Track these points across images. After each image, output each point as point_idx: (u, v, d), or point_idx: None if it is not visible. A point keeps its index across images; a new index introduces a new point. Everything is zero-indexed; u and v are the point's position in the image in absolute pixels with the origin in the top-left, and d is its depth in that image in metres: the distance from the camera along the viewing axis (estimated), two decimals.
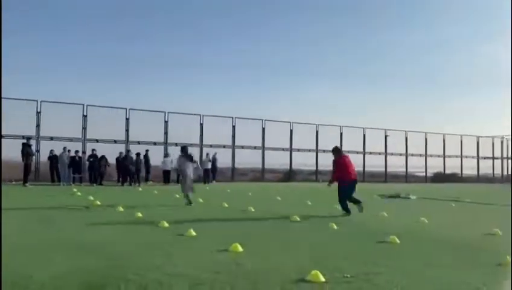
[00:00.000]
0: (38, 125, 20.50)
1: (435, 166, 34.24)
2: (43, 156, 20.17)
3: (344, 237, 6.67)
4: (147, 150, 21.82)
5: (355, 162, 29.93)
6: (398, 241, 6.21)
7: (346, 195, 9.67)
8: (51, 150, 19.43)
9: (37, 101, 20.69)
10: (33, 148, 17.44)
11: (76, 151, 20.03)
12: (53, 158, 19.12)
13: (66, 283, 3.70)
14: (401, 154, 32.13)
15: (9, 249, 5.03)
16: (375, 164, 31.33)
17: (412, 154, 32.58)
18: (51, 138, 20.72)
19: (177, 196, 13.83)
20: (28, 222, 7.48)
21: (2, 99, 20.01)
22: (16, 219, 7.77)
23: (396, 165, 32.35)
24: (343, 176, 9.74)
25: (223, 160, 25.29)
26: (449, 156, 34.25)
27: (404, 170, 32.44)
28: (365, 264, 4.77)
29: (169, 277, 4.00)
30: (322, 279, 3.98)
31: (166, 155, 22.11)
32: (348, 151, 29.65)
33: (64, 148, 19.40)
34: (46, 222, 7.50)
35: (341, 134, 29.53)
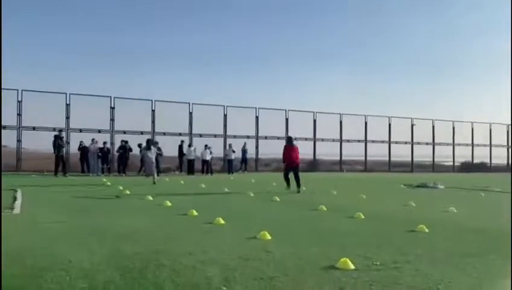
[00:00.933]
0: (68, 118, 21.08)
1: (463, 155, 33.55)
2: (73, 148, 20.78)
3: (372, 226, 6.68)
4: (182, 141, 22.27)
5: (381, 152, 29.71)
6: (426, 230, 6.19)
7: (286, 173, 13.37)
8: (81, 142, 19.99)
9: (66, 93, 21.27)
10: (64, 140, 17.90)
11: (104, 143, 20.53)
12: (83, 149, 19.68)
13: (105, 267, 3.87)
14: (427, 144, 31.57)
15: (47, 236, 5.28)
16: (401, 153, 30.92)
17: (439, 144, 31.97)
18: (80, 130, 21.29)
19: (203, 185, 14.07)
20: (63, 210, 7.78)
21: (34, 92, 20.73)
22: (51, 207, 8.10)
23: (422, 154, 31.86)
24: (284, 159, 13.39)
25: (250, 150, 25.46)
26: (477, 145, 33.45)
27: (431, 159, 31.90)
28: (394, 252, 4.79)
29: (202, 263, 4.13)
30: (352, 266, 4.03)
31: (190, 145, 22.42)
32: (373, 141, 29.50)
33: (93, 139, 19.94)
34: (81, 210, 7.78)
35: (366, 123, 29.21)
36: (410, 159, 31.04)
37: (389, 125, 30.02)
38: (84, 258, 4.17)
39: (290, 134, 26.97)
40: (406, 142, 30.70)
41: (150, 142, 15.14)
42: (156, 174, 14.82)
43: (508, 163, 34.44)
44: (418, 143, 31.18)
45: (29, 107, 20.36)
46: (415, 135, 31.01)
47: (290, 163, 13.14)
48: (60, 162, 17.68)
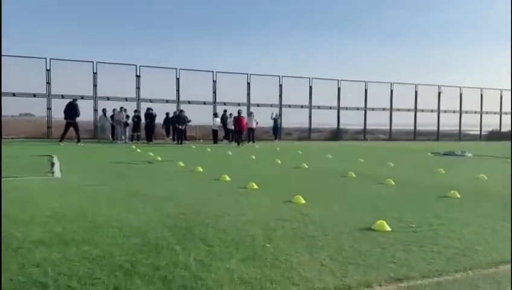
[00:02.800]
0: (95, 86, 21.43)
1: (491, 124, 32.77)
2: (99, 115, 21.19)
3: (403, 192, 6.76)
4: (181, 110, 22.28)
5: (406, 121, 29.27)
6: (458, 195, 6.24)
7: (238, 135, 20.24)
8: (114, 109, 20.29)
9: (93, 62, 21.55)
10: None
11: (135, 111, 20.85)
12: (113, 117, 20.08)
13: (154, 226, 4.10)
14: (454, 112, 30.91)
15: (92, 198, 5.57)
16: (427, 122, 30.43)
17: (467, 112, 31.27)
18: (108, 98, 21.66)
19: (230, 153, 14.29)
20: (101, 174, 8.10)
21: (62, 61, 21.08)
22: (88, 172, 8.45)
23: (449, 123, 31.26)
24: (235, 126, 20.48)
25: (269, 120, 25.47)
26: (506, 113, 32.56)
27: (457, 128, 31.31)
28: (428, 216, 4.89)
29: (242, 223, 4.33)
30: (388, 228, 4.16)
31: (215, 115, 22.54)
32: (398, 110, 29.07)
33: (121, 108, 20.25)
34: (117, 175, 8.09)
35: (391, 91, 28.71)
36: (435, 128, 30.54)
37: (416, 93, 29.43)
38: (132, 217, 4.43)
39: (313, 102, 26.93)
40: (432, 111, 30.14)
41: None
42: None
43: None
44: (445, 111, 30.55)
45: (58, 76, 20.77)
46: (442, 103, 30.36)
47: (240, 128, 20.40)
48: (70, 129, 17.66)
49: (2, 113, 20.41)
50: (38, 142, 17.94)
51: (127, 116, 20.19)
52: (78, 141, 17.47)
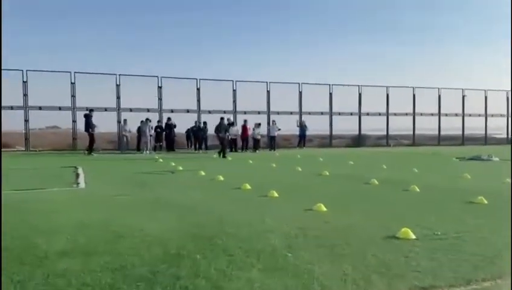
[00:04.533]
0: (118, 98, 21.84)
1: None
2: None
3: (428, 198, 6.61)
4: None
5: (430, 125, 28.64)
6: (485, 201, 6.06)
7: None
8: (141, 121, 20.60)
9: (116, 74, 22.00)
10: (93, 119, 18.28)
11: (158, 122, 21.16)
12: (138, 129, 20.40)
13: (176, 234, 4.13)
14: (479, 115, 30.16)
15: (116, 207, 5.65)
16: (451, 126, 29.76)
17: (492, 115, 30.47)
18: (130, 109, 22.03)
19: (250, 161, 14.30)
20: (124, 184, 8.22)
21: (85, 74, 21.60)
22: (112, 182, 8.58)
23: (474, 127, 30.50)
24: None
25: (290, 126, 25.38)
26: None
27: (483, 132, 30.51)
28: (454, 223, 4.76)
29: (263, 231, 4.30)
30: (413, 236, 4.06)
31: (232, 124, 22.57)
32: (421, 114, 28.57)
33: (147, 119, 20.53)
34: (141, 184, 8.19)
35: (414, 96, 28.25)
36: (460, 132, 29.86)
37: (439, 97, 28.87)
38: (154, 227, 4.46)
39: (334, 109, 26.73)
40: (456, 114, 29.49)
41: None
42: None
43: None
44: (470, 115, 29.85)
45: (82, 89, 21.25)
46: (466, 107, 29.66)
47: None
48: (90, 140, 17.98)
49: (30, 127, 21.04)
50: (65, 154, 18.36)
51: (152, 127, 20.45)
52: (88, 153, 17.57)
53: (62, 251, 3.60)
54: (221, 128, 17.59)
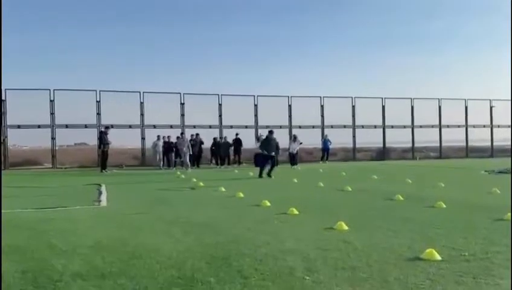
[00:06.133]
0: (142, 114, 22.18)
1: None
2: (147, 144, 21.85)
3: (455, 215, 6.34)
4: (236, 134, 22.49)
5: (457, 137, 27.86)
6: None
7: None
8: (177, 137, 20.81)
9: (139, 92, 22.38)
10: (109, 136, 18.27)
11: (178, 137, 21.25)
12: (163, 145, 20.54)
13: (191, 255, 4.05)
14: (509, 126, 29.20)
15: (134, 226, 5.63)
16: (479, 138, 28.89)
17: None
18: (154, 126, 22.33)
19: (272, 177, 14.18)
20: (145, 202, 8.24)
21: (109, 92, 22.08)
22: (133, 200, 8.61)
23: (503, 138, 29.51)
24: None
25: (312, 140, 25.13)
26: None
27: None
28: (482, 243, 4.53)
29: (282, 252, 4.18)
30: (438, 257, 3.87)
31: (258, 138, 22.54)
32: (448, 126, 27.86)
33: (158, 136, 20.72)
34: (161, 202, 8.19)
35: (439, 107, 27.63)
36: (489, 143, 28.94)
37: (466, 108, 28.15)
38: (170, 247, 4.40)
39: (357, 122, 26.39)
40: (484, 126, 28.64)
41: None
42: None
43: None
44: (498, 126, 28.94)
45: (106, 106, 21.70)
46: (495, 117, 28.79)
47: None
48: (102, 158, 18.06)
49: (58, 143, 21.56)
50: (90, 171, 18.67)
51: (166, 143, 20.57)
52: (101, 170, 17.67)
53: (77, 272, 3.57)
54: (269, 144, 14.21)
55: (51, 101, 20.88)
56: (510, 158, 18.53)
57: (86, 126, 21.60)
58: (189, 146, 18.92)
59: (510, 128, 28.62)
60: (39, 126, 20.82)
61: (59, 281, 3.36)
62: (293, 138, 21.28)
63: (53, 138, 20.99)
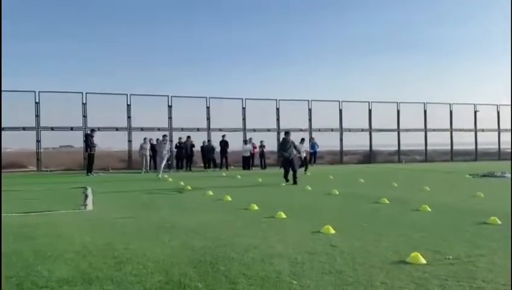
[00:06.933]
0: (129, 117, 22.03)
1: None
2: (135, 146, 21.70)
3: (440, 219, 6.44)
4: (223, 135, 22.44)
5: (442, 140, 28.31)
6: (499, 222, 5.88)
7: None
8: (157, 139, 20.66)
9: (126, 94, 22.23)
10: (95, 139, 18.22)
11: (157, 140, 21.10)
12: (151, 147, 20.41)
13: (179, 260, 4.05)
14: (492, 130, 29.75)
15: (121, 231, 5.59)
16: (465, 141, 29.37)
17: (506, 130, 30.00)
18: (141, 129, 22.18)
19: (260, 179, 14.20)
20: (132, 206, 8.18)
21: (95, 95, 21.89)
22: (120, 203, 8.55)
23: (487, 142, 30.04)
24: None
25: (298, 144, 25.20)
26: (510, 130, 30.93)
27: (497, 147, 30.03)
28: (466, 246, 4.61)
29: (269, 256, 4.20)
30: (423, 261, 3.93)
31: (245, 142, 22.59)
32: (433, 130, 28.25)
33: (145, 138, 20.58)
34: (148, 206, 8.14)
35: (425, 111, 28.01)
36: (473, 147, 29.43)
37: (451, 112, 28.58)
38: (157, 251, 4.39)
39: (344, 125, 26.63)
40: (469, 130, 29.12)
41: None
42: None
43: None
44: (483, 130, 29.45)
45: (93, 108, 21.50)
46: (479, 121, 29.30)
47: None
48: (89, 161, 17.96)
49: (44, 146, 21.30)
50: (76, 174, 18.47)
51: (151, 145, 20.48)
52: (87, 173, 17.55)
53: (63, 278, 3.54)
54: (286, 146, 13.11)
55: (36, 103, 20.63)
56: (493, 161, 18.88)
57: (71, 129, 21.38)
58: (168, 150, 17.51)
59: (510, 132, 29.23)
60: (24, 128, 20.55)
61: (45, 287, 3.33)
62: (301, 141, 19.19)
63: (38, 141, 20.72)
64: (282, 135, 24.16)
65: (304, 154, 18.01)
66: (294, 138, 24.07)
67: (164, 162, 16.70)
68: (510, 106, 28.51)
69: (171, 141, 21.13)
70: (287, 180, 12.81)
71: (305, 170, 17.77)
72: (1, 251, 3.19)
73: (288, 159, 12.90)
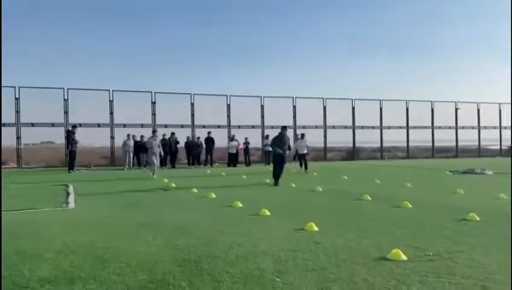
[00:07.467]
0: (111, 113, 21.77)
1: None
2: (118, 143, 21.45)
3: (420, 216, 6.56)
4: (209, 132, 22.35)
5: (424, 137, 28.83)
6: (478, 218, 6.02)
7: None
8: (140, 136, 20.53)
9: (109, 90, 21.96)
10: (76, 136, 17.92)
11: (142, 136, 20.95)
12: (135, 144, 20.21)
13: (162, 258, 4.04)
14: (472, 128, 30.34)
15: (104, 229, 5.55)
16: (444, 138, 29.90)
17: (485, 127, 30.64)
18: (124, 125, 21.95)
19: (244, 177, 14.22)
20: (115, 204, 8.10)
21: (79, 90, 21.57)
22: (103, 201, 8.46)
23: (467, 139, 30.64)
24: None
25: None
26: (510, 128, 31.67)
27: (477, 143, 30.66)
28: (446, 242, 4.71)
29: (253, 254, 4.22)
30: (404, 257, 4.00)
31: (232, 139, 22.51)
32: (415, 127, 28.67)
33: (128, 135, 20.39)
34: (131, 204, 8.07)
35: (407, 109, 28.40)
36: (454, 144, 29.98)
37: (432, 110, 29.04)
38: (141, 250, 4.37)
39: (328, 122, 26.84)
40: (449, 127, 29.64)
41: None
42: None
43: None
44: (463, 127, 30.01)
45: (74, 104, 21.16)
46: (460, 119, 29.86)
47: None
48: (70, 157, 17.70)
49: (24, 142, 20.90)
50: (58, 171, 18.19)
51: (136, 142, 20.30)
52: (68, 170, 17.33)
53: (45, 277, 3.50)
54: (282, 141, 12.24)
55: (16, 99, 20.22)
56: (473, 158, 19.27)
57: (52, 125, 21.02)
58: (160, 145, 16.12)
59: (510, 130, 29.84)
60: (4, 124, 20.11)
61: (26, 287, 3.29)
62: (301, 136, 17.95)
63: (18, 137, 20.33)
64: (266, 132, 24.44)
65: (305, 151, 17.19)
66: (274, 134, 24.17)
67: (158, 159, 15.46)
68: (510, 105, 29.12)
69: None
70: (276, 183, 11.69)
71: (306, 169, 16.47)
72: (1, 251, 3.14)
73: (281, 155, 12.06)
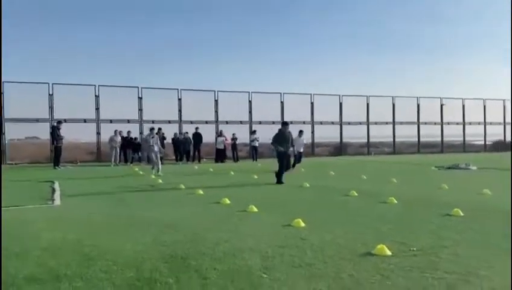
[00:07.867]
0: (97, 109, 21.55)
1: (495, 134, 32.51)
2: (103, 138, 21.26)
3: (406, 211, 6.66)
4: (196, 128, 22.27)
5: (410, 133, 29.16)
6: (462, 214, 6.13)
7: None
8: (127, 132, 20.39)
9: (95, 85, 21.71)
10: (62, 131, 17.77)
11: (128, 132, 20.81)
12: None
13: (150, 255, 4.04)
14: (458, 123, 30.78)
15: (90, 226, 5.52)
16: (430, 133, 30.29)
17: (470, 123, 31.10)
18: (110, 121, 21.75)
19: (232, 173, 14.23)
20: (102, 200, 8.06)
21: (66, 85, 21.31)
22: (89, 198, 8.41)
23: (453, 134, 31.09)
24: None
25: (271, 136, 25.33)
26: (508, 124, 32.27)
27: (462, 139, 31.13)
28: (430, 237, 4.79)
29: (240, 251, 4.25)
30: (389, 253, 4.07)
31: (219, 135, 22.47)
32: (401, 123, 28.99)
33: (116, 131, 20.20)
34: (119, 201, 8.01)
35: (393, 105, 28.67)
36: (439, 139, 30.39)
37: (418, 106, 29.37)
38: (128, 247, 4.36)
39: (316, 118, 26.96)
40: (435, 123, 30.02)
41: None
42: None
43: None
44: (448, 123, 30.43)
45: (60, 99, 20.90)
46: (445, 115, 30.26)
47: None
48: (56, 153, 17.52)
49: (9, 137, 20.57)
50: (43, 167, 17.97)
51: (123, 138, 20.14)
52: (54, 166, 17.15)
53: (31, 275, 3.48)
54: (284, 138, 11.54)
55: (0, 93, 19.88)
56: (458, 153, 19.59)
57: (37, 120, 20.74)
58: (158, 143, 15.17)
59: (510, 127, 30.29)
60: None
61: (12, 285, 3.26)
62: (299, 133, 17.14)
63: (2, 133, 20.00)
64: (254, 127, 24.45)
65: (302, 149, 16.91)
66: (267, 130, 24.23)
67: (159, 156, 14.73)
68: (510, 103, 29.59)
69: (141, 132, 20.87)
70: (280, 181, 11.02)
71: (293, 166, 14.89)
72: (1, 250, 3.10)
73: (284, 153, 11.40)
